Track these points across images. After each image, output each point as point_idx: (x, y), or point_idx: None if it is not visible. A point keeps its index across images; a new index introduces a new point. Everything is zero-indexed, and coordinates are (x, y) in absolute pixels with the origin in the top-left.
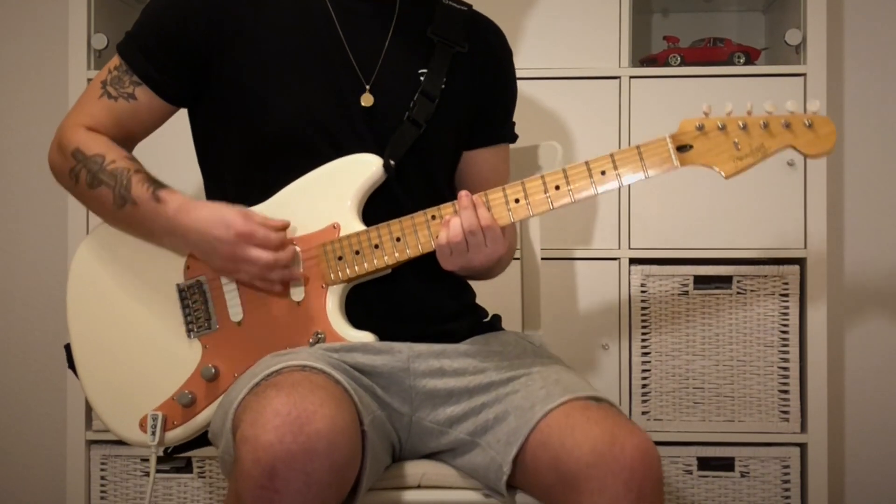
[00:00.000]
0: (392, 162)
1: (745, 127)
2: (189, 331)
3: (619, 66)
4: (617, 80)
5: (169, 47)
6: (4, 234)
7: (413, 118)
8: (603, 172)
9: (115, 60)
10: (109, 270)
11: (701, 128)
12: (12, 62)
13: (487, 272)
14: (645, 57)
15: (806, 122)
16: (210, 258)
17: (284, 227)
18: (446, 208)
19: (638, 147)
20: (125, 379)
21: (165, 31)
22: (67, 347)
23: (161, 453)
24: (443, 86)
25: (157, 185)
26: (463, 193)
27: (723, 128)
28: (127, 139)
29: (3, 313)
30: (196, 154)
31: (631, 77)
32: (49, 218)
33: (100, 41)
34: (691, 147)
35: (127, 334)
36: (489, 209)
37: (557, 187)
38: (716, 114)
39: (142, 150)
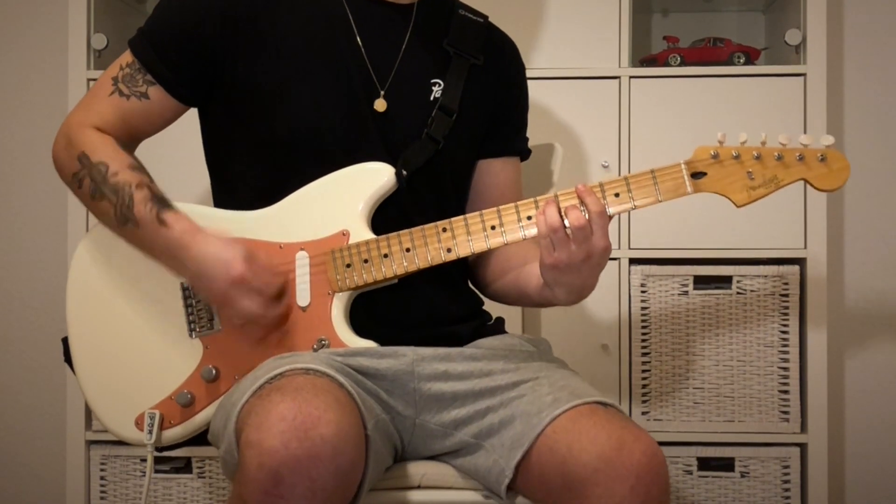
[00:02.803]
0: (404, 172)
1: (759, 157)
2: (191, 330)
3: (619, 66)
4: (617, 80)
5: (182, 46)
6: (4, 234)
7: (431, 135)
8: (617, 195)
9: (128, 57)
10: (111, 267)
11: (716, 156)
12: (12, 62)
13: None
14: (645, 57)
15: (819, 157)
16: (202, 292)
17: (284, 288)
18: (458, 220)
19: (652, 171)
20: (123, 376)
21: (179, 29)
22: (65, 341)
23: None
24: (460, 100)
25: (161, 205)
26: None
27: (737, 157)
28: (133, 138)
29: (3, 313)
30: (205, 155)
31: (631, 77)
32: (49, 218)
33: (100, 41)
34: (705, 174)
35: (127, 331)
36: (504, 228)
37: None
38: (730, 142)
39: (147, 150)
